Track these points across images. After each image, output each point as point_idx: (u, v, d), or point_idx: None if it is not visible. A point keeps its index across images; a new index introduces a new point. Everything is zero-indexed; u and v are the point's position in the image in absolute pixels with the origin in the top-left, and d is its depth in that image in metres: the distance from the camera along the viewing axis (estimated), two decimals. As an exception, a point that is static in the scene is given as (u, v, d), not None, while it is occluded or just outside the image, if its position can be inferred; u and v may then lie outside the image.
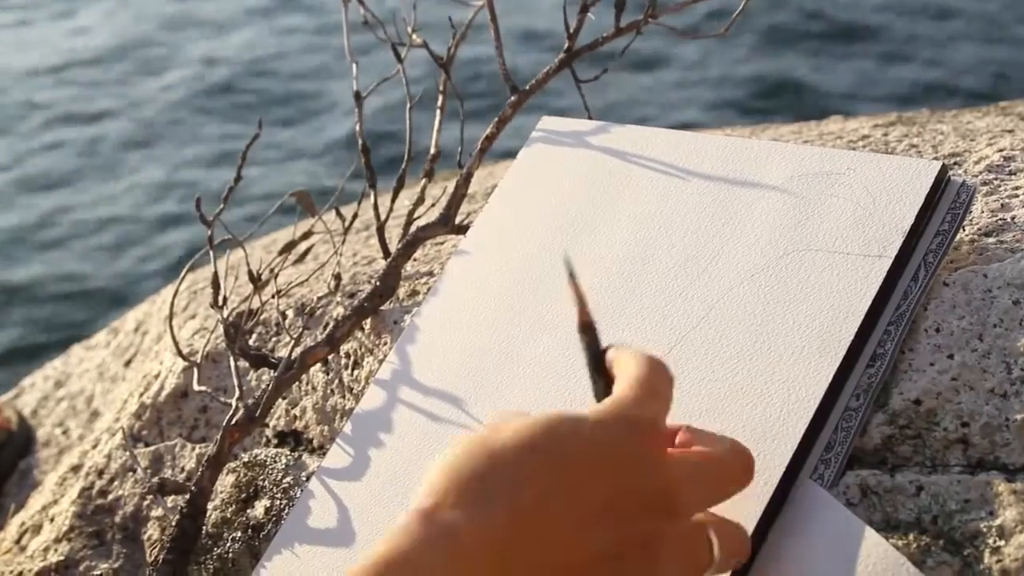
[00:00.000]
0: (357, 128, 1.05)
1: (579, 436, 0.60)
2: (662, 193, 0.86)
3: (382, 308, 0.96)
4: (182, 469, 1.00)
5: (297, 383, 0.97)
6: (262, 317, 1.04)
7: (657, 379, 0.64)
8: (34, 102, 4.62)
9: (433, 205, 1.02)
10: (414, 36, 1.05)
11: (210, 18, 5.37)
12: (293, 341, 0.93)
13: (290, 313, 1.03)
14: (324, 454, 0.91)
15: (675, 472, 0.61)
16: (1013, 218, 0.81)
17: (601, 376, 0.66)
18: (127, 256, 3.61)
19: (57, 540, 1.01)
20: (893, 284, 0.74)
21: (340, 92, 4.46)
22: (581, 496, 0.58)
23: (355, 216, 1.04)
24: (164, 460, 1.01)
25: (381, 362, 0.90)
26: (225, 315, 0.96)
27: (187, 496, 0.88)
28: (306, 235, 1.06)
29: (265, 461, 0.94)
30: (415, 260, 1.04)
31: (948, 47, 4.51)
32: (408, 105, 1.04)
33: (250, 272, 0.98)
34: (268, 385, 0.90)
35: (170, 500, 0.95)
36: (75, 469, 1.09)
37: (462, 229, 1.00)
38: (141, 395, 1.08)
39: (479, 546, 0.57)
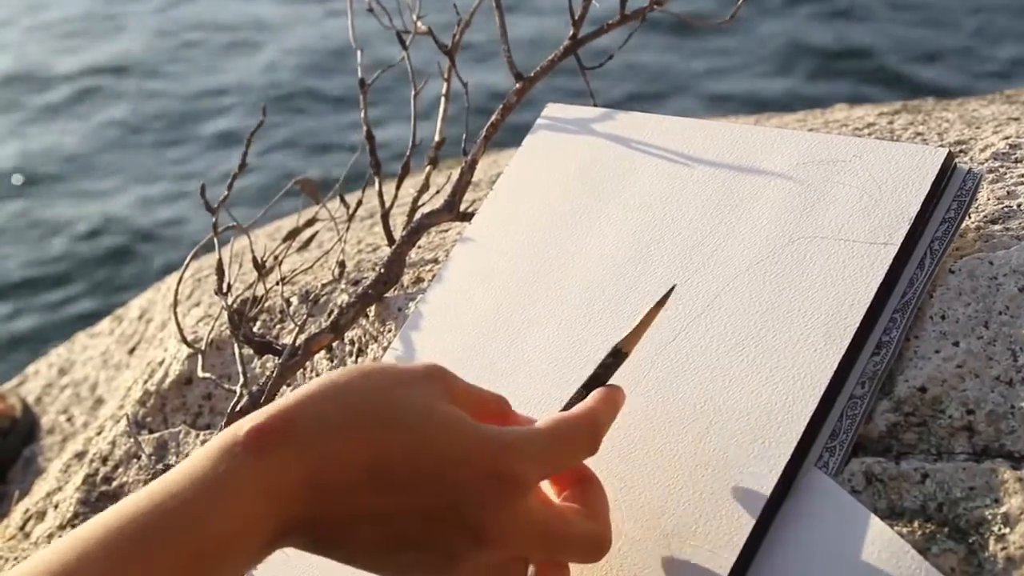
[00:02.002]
0: (362, 115, 1.05)
1: (446, 432, 0.61)
2: (667, 180, 0.85)
3: (386, 295, 0.96)
4: (186, 456, 1.00)
5: (301, 370, 0.97)
6: (266, 304, 1.04)
7: (578, 433, 0.65)
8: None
9: (438, 192, 1.02)
10: (419, 24, 1.05)
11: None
12: (297, 328, 0.92)
13: (294, 300, 1.03)
14: (328, 441, 0.91)
15: (491, 511, 0.60)
16: (1019, 205, 0.80)
17: (581, 396, 0.69)
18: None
19: (61, 527, 1.01)
20: (899, 271, 0.74)
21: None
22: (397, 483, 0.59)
23: (359, 203, 1.04)
24: (168, 447, 1.01)
25: (385, 349, 0.90)
26: (229, 302, 0.96)
27: (191, 483, 0.88)
28: (310, 222, 1.05)
29: (269, 448, 0.94)
30: (419, 247, 1.04)
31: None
32: (413, 92, 1.04)
33: (254, 259, 0.98)
34: (272, 372, 0.90)
35: (174, 487, 0.95)
36: (79, 456, 1.10)
37: (467, 216, 0.99)
38: (145, 382, 1.08)
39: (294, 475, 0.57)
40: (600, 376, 0.70)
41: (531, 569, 0.64)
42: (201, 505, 0.55)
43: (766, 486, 0.68)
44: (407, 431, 0.60)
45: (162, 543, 0.54)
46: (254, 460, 0.57)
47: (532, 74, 1.01)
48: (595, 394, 0.68)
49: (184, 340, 0.99)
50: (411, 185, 1.08)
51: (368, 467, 0.59)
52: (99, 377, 1.32)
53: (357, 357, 0.95)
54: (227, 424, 0.88)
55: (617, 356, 0.70)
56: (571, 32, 1.01)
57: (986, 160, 0.89)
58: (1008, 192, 0.83)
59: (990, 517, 0.66)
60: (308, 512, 0.58)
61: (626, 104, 3.84)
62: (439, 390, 0.63)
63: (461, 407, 0.63)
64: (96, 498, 1.01)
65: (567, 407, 0.69)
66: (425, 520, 0.60)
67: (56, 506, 1.05)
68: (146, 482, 1.00)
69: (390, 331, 0.94)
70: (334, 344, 0.96)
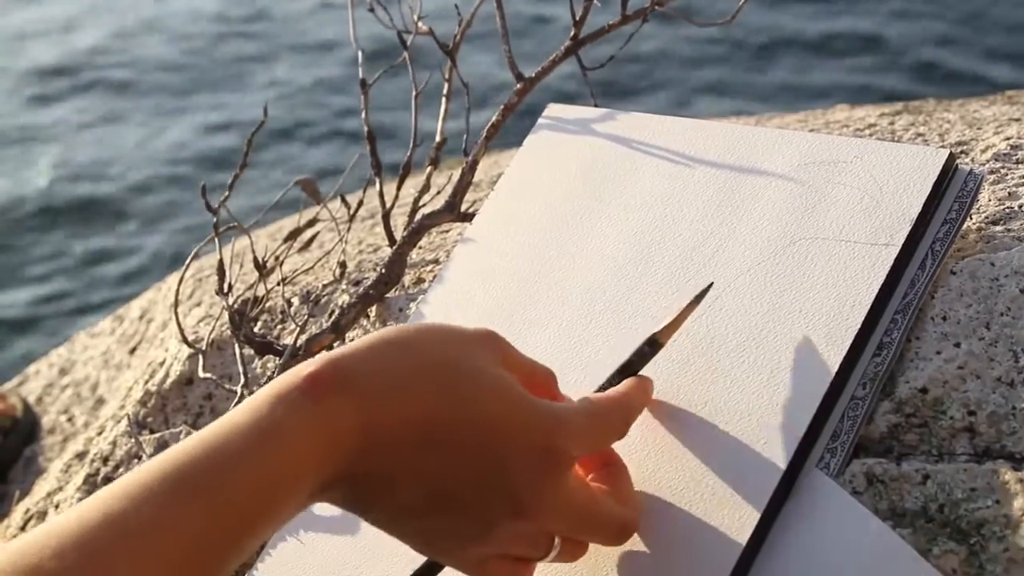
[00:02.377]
0: (363, 116, 1.05)
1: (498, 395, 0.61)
2: (668, 181, 0.85)
3: (387, 296, 0.96)
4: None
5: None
6: (267, 304, 1.04)
7: (613, 417, 0.66)
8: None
9: (438, 193, 1.02)
10: (420, 24, 1.05)
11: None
12: (298, 329, 0.92)
13: (295, 300, 1.03)
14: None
15: (534, 483, 0.61)
16: (1020, 206, 0.80)
17: (615, 381, 0.71)
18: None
19: (62, 527, 1.01)
20: (900, 272, 0.74)
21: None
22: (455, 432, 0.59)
23: (360, 204, 1.04)
24: (169, 447, 1.01)
25: (386, 350, 0.90)
26: (230, 302, 0.96)
27: (192, 483, 0.88)
28: (311, 223, 1.06)
29: (270, 448, 0.94)
30: (420, 248, 1.04)
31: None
32: (414, 93, 1.04)
33: (255, 259, 0.98)
34: (273, 372, 0.90)
35: (175, 487, 0.95)
36: (80, 456, 1.10)
37: (467, 217, 0.99)
38: (146, 382, 1.08)
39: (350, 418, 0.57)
40: (634, 364, 0.71)
41: (556, 542, 0.64)
42: (258, 449, 0.55)
43: (767, 487, 0.68)
44: (463, 394, 0.60)
45: (220, 486, 0.54)
46: (311, 405, 0.57)
47: (533, 74, 1.01)
48: (629, 381, 0.70)
49: (185, 340, 0.99)
50: (412, 185, 1.08)
51: (421, 425, 0.58)
52: (100, 377, 1.32)
53: (358, 357, 0.95)
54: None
55: (653, 346, 0.72)
56: (572, 33, 1.01)
57: (987, 161, 0.89)
58: (1009, 193, 0.83)
59: (991, 518, 0.66)
60: (355, 465, 0.58)
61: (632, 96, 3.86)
62: (495, 355, 0.63)
63: (512, 374, 0.63)
64: (97, 498, 1.01)
65: (601, 389, 0.70)
66: (469, 484, 0.60)
67: (57, 506, 1.05)
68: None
69: (391, 331, 0.93)
70: (335, 344, 0.96)
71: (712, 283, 0.74)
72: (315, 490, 0.57)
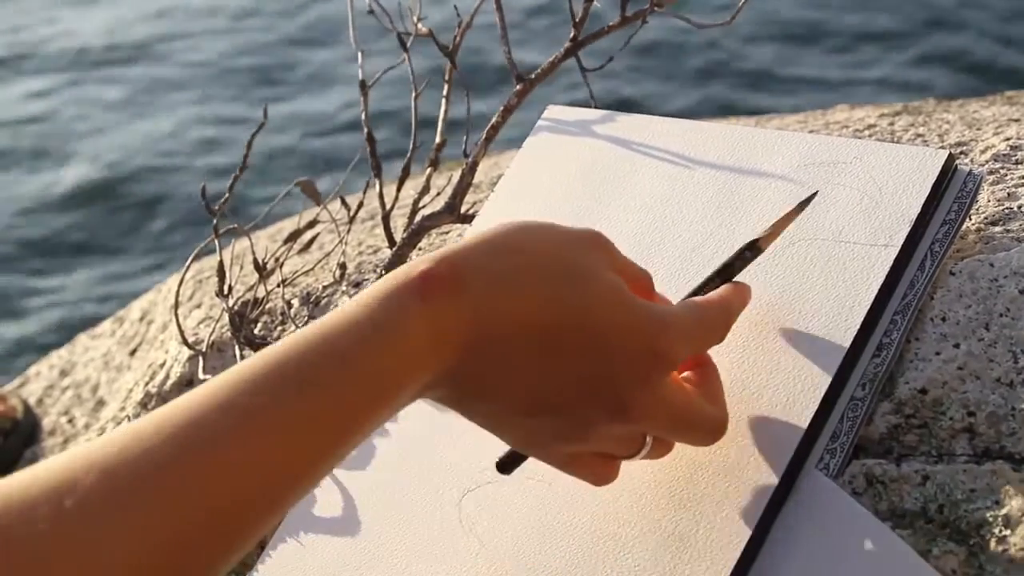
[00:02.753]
0: (363, 117, 1.05)
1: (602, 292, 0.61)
2: (668, 182, 0.85)
3: (387, 297, 0.96)
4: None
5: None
6: (267, 306, 1.05)
7: (716, 320, 0.67)
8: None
9: (438, 194, 1.02)
10: (419, 25, 1.05)
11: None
12: (298, 330, 0.92)
13: (295, 302, 1.03)
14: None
15: (640, 384, 0.62)
16: (1020, 207, 0.80)
17: (713, 283, 0.71)
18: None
19: (63, 528, 1.01)
20: (899, 273, 0.74)
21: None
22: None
23: (360, 205, 1.04)
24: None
25: (386, 351, 0.90)
26: (231, 304, 0.96)
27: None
28: (311, 224, 1.06)
29: (270, 450, 0.94)
30: (420, 249, 1.04)
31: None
32: (413, 94, 1.04)
33: (255, 261, 0.98)
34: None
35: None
36: (81, 458, 1.09)
37: (467, 218, 1.00)
38: (146, 384, 1.08)
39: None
40: (733, 267, 0.72)
41: (648, 440, 0.65)
42: (371, 347, 0.55)
43: (767, 488, 0.68)
44: (574, 300, 0.60)
45: (333, 381, 0.54)
46: (423, 304, 0.57)
47: (533, 75, 1.01)
48: (728, 286, 0.70)
49: (185, 342, 0.99)
50: (412, 187, 1.08)
51: (533, 324, 0.59)
52: (100, 379, 1.32)
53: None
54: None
55: (752, 250, 0.72)
56: (572, 34, 1.01)
57: (987, 162, 0.89)
58: (1009, 194, 0.83)
59: (991, 519, 0.66)
60: (464, 365, 0.58)
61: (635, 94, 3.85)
62: (604, 257, 0.64)
63: (619, 277, 0.63)
64: (97, 500, 1.01)
65: (697, 291, 0.71)
66: (576, 384, 0.60)
67: (57, 508, 1.05)
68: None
69: (391, 333, 0.93)
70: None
71: (817, 192, 0.75)
72: (423, 387, 0.58)
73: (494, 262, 0.60)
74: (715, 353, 0.74)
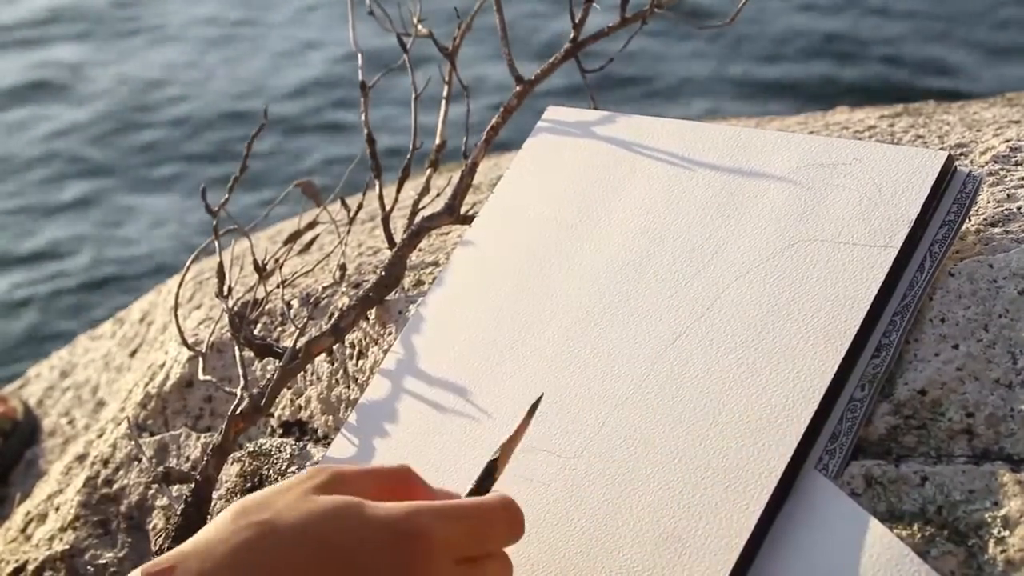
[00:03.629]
0: (363, 118, 1.05)
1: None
2: (667, 183, 0.86)
3: (387, 298, 0.96)
4: (187, 459, 1.00)
5: (302, 373, 0.97)
6: (267, 307, 1.05)
7: (489, 522, 0.64)
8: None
9: (438, 195, 1.02)
10: (419, 26, 1.05)
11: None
12: (298, 331, 0.93)
13: (295, 303, 1.04)
14: (329, 444, 0.91)
15: None
16: (1019, 208, 0.80)
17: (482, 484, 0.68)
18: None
19: (62, 529, 1.01)
20: (898, 274, 0.74)
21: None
22: None
23: (360, 206, 1.04)
24: (169, 449, 1.01)
25: (386, 352, 0.90)
26: (230, 305, 0.96)
27: (192, 485, 0.88)
28: (311, 225, 1.06)
29: (270, 451, 0.94)
30: (420, 250, 1.04)
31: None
32: (413, 95, 1.04)
33: (255, 262, 0.98)
34: (273, 375, 0.90)
35: (175, 489, 0.95)
36: (80, 458, 1.10)
37: (467, 219, 0.99)
38: (146, 385, 1.08)
39: None
40: (489, 475, 0.69)
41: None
42: None
43: (766, 488, 0.68)
44: (296, 549, 0.60)
45: None
46: None
47: (533, 76, 1.01)
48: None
49: (185, 343, 0.99)
50: (412, 188, 1.08)
51: None
52: (100, 380, 1.32)
53: (358, 360, 0.95)
54: (227, 426, 0.88)
55: (493, 471, 0.69)
56: (572, 35, 1.01)
57: (986, 163, 0.89)
58: (1008, 195, 0.83)
59: (990, 520, 0.66)
60: None
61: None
62: (310, 486, 0.63)
63: (354, 492, 0.63)
64: (97, 500, 1.01)
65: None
66: None
67: (57, 508, 1.05)
68: (147, 485, 1.00)
69: (390, 334, 0.94)
70: (335, 347, 0.96)
71: (543, 394, 0.71)
72: None
73: (205, 558, 0.61)
74: (715, 352, 0.74)
